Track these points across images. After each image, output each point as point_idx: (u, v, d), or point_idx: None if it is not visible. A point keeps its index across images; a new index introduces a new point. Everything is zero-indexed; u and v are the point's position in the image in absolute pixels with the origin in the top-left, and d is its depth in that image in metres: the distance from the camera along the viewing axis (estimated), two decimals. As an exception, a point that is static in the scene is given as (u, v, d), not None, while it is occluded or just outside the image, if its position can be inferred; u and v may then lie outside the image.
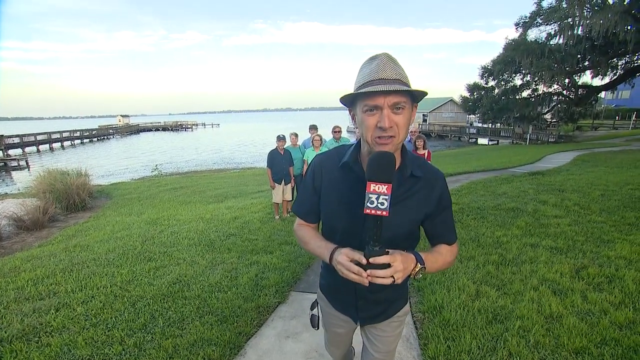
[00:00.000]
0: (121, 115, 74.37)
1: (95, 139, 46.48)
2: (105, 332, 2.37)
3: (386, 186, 0.80)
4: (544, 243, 3.99)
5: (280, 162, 5.64)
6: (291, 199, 5.97)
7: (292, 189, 6.00)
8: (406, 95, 0.88)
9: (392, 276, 0.84)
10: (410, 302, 2.87)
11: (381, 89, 0.83)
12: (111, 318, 2.56)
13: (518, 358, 2.02)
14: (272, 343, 2.35)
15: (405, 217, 1.01)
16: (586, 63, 21.85)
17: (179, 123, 73.74)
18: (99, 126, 57.04)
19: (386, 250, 0.85)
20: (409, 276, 0.93)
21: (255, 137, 48.47)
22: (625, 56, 21.02)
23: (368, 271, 0.84)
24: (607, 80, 22.69)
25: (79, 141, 42.30)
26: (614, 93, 38.26)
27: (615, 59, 21.49)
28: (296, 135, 6.09)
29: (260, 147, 33.06)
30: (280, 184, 5.67)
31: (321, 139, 5.56)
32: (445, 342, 2.18)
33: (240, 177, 14.68)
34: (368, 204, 0.81)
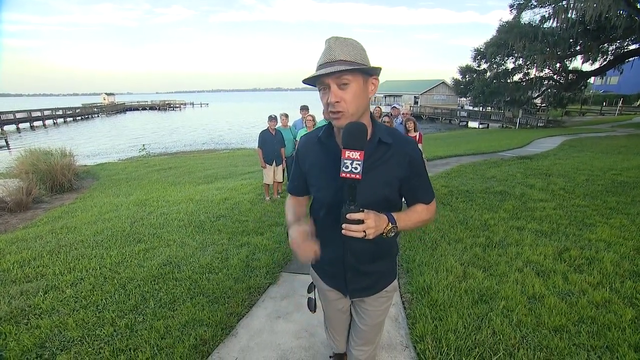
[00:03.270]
0: (106, 94, 71.97)
1: (79, 118, 45.05)
2: (95, 314, 2.37)
3: (359, 153, 0.91)
4: (530, 226, 4.10)
5: (271, 142, 5.58)
6: (282, 180, 5.95)
7: (283, 171, 5.96)
8: (352, 72, 0.95)
9: (364, 231, 0.93)
10: (399, 282, 2.96)
11: (323, 71, 0.94)
12: (101, 300, 2.55)
13: (501, 336, 2.10)
14: (263, 323, 2.38)
15: (380, 181, 1.08)
16: (577, 48, 21.86)
17: (166, 102, 71.86)
18: (82, 104, 55.11)
19: (361, 209, 0.94)
20: (382, 234, 1.00)
21: (245, 117, 47.71)
22: (616, 41, 21.11)
23: (344, 225, 0.94)
24: (597, 65, 22.84)
25: (61, 120, 40.93)
26: (602, 79, 38.68)
27: (606, 44, 21.57)
28: (286, 115, 5.99)
29: (251, 127, 32.62)
30: (272, 165, 5.62)
31: (314, 120, 5.49)
32: (433, 322, 2.25)
33: (230, 158, 14.52)
34: (343, 169, 0.92)
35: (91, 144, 23.42)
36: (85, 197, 7.27)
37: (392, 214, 1.05)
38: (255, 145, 5.65)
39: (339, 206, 0.97)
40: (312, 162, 1.19)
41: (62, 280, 2.83)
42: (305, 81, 1.02)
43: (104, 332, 2.17)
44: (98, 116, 50.06)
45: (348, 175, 0.92)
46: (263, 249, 3.60)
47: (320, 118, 5.93)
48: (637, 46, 21.17)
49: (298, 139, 5.51)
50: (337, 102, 0.97)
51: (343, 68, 0.93)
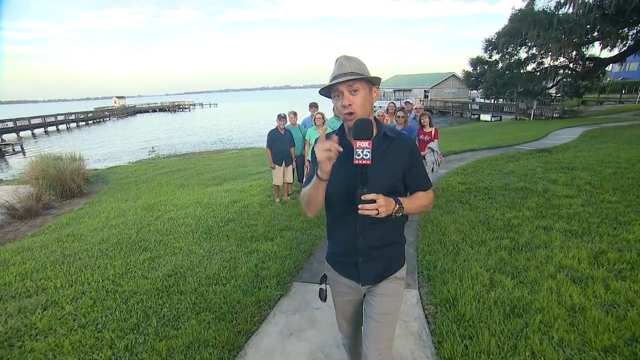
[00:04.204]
0: (117, 97, 72.96)
1: (92, 122, 45.77)
2: (94, 334, 2.21)
3: (367, 142, 1.10)
4: (558, 226, 3.81)
5: (280, 142, 5.38)
6: (292, 181, 5.75)
7: (293, 171, 5.76)
8: (360, 81, 1.18)
9: (377, 209, 1.10)
10: (420, 292, 2.73)
11: (339, 80, 1.17)
12: (101, 317, 2.39)
13: (542, 358, 1.86)
14: (274, 342, 2.19)
15: (388, 170, 1.26)
16: (595, 34, 20.96)
17: (176, 103, 72.51)
18: (94, 108, 55.99)
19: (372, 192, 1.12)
20: (391, 215, 1.17)
21: (254, 116, 47.75)
22: (637, 25, 20.16)
23: (360, 205, 1.10)
24: (615, 51, 21.90)
25: (74, 124, 41.65)
26: (622, 65, 37.15)
27: (626, 29, 20.61)
28: (295, 114, 5.77)
29: (260, 126, 32.55)
30: (281, 166, 5.42)
31: (323, 117, 5.27)
32: (462, 341, 2.01)
33: (239, 158, 14.41)
34: (356, 157, 1.10)
35: (102, 148, 23.69)
36: (94, 202, 7.22)
37: (399, 198, 1.21)
38: (264, 144, 5.46)
39: (353, 194, 1.16)
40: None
41: (63, 295, 2.70)
42: (321, 92, 1.27)
43: (101, 356, 2.01)
44: (109, 119, 50.80)
45: (360, 161, 1.11)
46: (273, 256, 3.41)
47: (329, 115, 5.70)
48: (661, 29, 20.22)
49: (308, 137, 5.29)
50: (350, 104, 1.18)
51: (354, 77, 1.16)
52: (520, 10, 20.24)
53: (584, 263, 2.94)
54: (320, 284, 1.52)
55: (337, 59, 1.24)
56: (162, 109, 68.66)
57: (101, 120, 48.68)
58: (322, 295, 1.50)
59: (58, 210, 6.73)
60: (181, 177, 9.99)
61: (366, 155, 1.10)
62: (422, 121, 5.12)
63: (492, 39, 23.06)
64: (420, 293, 2.66)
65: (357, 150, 1.10)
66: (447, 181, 6.06)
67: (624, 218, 3.97)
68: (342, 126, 1.33)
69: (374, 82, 1.24)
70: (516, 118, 25.59)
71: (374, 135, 1.25)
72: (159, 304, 2.57)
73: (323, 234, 4.07)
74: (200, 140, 25.26)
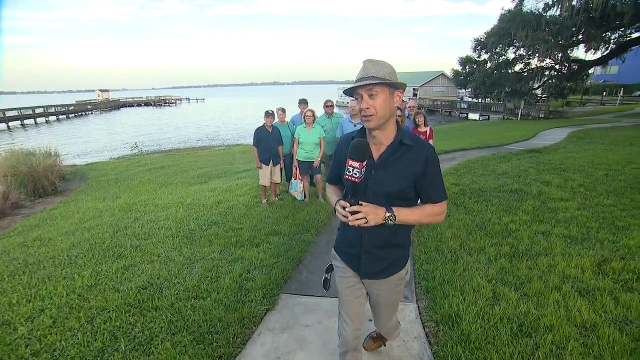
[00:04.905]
0: (100, 90, 70.45)
1: (73, 115, 44.15)
2: (49, 363, 1.92)
3: (358, 163, 1.18)
4: (556, 231, 3.68)
5: (267, 140, 5.09)
6: (280, 181, 5.47)
7: (281, 170, 5.49)
8: (379, 85, 1.20)
9: (365, 218, 1.18)
10: (419, 306, 2.53)
11: (358, 84, 1.21)
12: (60, 342, 2.09)
13: (558, 388, 1.68)
14: (260, 368, 1.95)
15: (397, 175, 1.29)
16: (580, 36, 21.28)
17: (162, 98, 70.63)
18: (76, 101, 53.99)
19: (359, 202, 1.20)
20: (384, 222, 1.22)
21: (242, 112, 47.02)
22: (620, 29, 20.54)
23: (349, 217, 1.18)
24: (598, 54, 22.30)
25: (54, 117, 40.09)
26: (604, 68, 38.08)
27: (609, 33, 20.99)
28: (283, 110, 5.49)
29: (248, 122, 31.99)
30: (268, 165, 5.14)
31: (313, 115, 5.01)
32: (469, 367, 1.82)
33: (226, 155, 14.01)
34: (346, 172, 1.20)
35: (83, 143, 22.80)
36: (69, 201, 6.79)
37: (393, 207, 1.24)
38: (252, 141, 5.16)
39: (364, 194, 1.29)
40: (346, 156, 1.29)
41: (18, 314, 2.38)
42: (345, 92, 1.30)
43: (56, 391, 1.73)
44: (92, 113, 49.10)
45: (350, 177, 1.19)
46: (259, 264, 3.16)
47: (320, 112, 5.45)
48: (640, 34, 20.66)
49: (297, 136, 5.03)
50: (367, 108, 1.22)
51: (372, 82, 1.18)
52: (509, 10, 20.35)
53: (588, 272, 2.79)
54: (327, 272, 1.61)
55: (363, 61, 1.26)
56: (147, 103, 66.83)
57: (83, 113, 47.01)
58: (326, 285, 1.61)
59: (29, 210, 6.29)
60: (164, 175, 9.57)
61: (355, 174, 1.19)
62: (416, 120, 4.92)
63: (481, 38, 23.15)
64: (419, 307, 2.46)
65: (348, 167, 1.20)
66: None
67: (621, 223, 3.88)
68: (363, 127, 1.37)
69: (396, 86, 1.24)
70: (504, 117, 25.87)
71: (392, 140, 1.31)
72: (130, 322, 2.29)
73: (312, 240, 3.83)
74: (186, 136, 24.61)
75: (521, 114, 23.95)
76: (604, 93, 35.90)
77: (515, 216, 4.15)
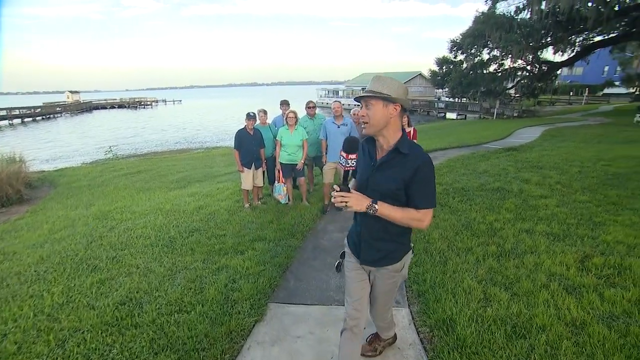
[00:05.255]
0: (70, 92, 67.35)
1: (40, 118, 41.98)
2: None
3: (346, 154, 1.44)
4: (539, 228, 3.75)
5: (249, 143, 4.94)
6: (262, 184, 5.34)
7: (264, 173, 5.35)
8: (375, 99, 1.42)
9: (346, 202, 1.39)
10: (411, 311, 2.49)
11: (359, 95, 1.47)
12: (27, 370, 1.91)
13: (556, 391, 1.67)
14: (250, 386, 1.84)
15: (389, 177, 1.46)
16: (549, 39, 22.22)
17: (137, 100, 68.37)
18: (43, 103, 51.37)
19: (349, 190, 1.43)
20: (365, 212, 1.42)
21: (221, 114, 46.20)
22: (584, 33, 21.59)
23: (333, 194, 1.41)
24: (565, 56, 23.39)
25: (19, 120, 37.98)
26: (570, 69, 39.93)
27: (574, 36, 22.03)
28: (265, 112, 5.35)
29: (227, 124, 31.43)
30: (250, 168, 5.00)
31: (296, 116, 4.91)
32: (468, 374, 1.78)
33: (206, 158, 13.68)
34: (342, 163, 1.47)
35: (52, 147, 21.69)
36: (36, 210, 6.39)
37: (379, 202, 1.41)
38: (231, 143, 5.00)
39: (366, 189, 1.50)
40: (359, 156, 1.56)
41: (-22, 340, 2.16)
42: (356, 99, 1.53)
43: None
44: (61, 116, 46.85)
45: (345, 167, 1.46)
46: (245, 273, 3.03)
47: (302, 114, 5.36)
48: (602, 37, 21.80)
49: (279, 138, 4.91)
50: (363, 115, 1.45)
51: (368, 95, 1.42)
52: (483, 13, 20.98)
53: (572, 269, 2.85)
54: (340, 258, 1.86)
55: (372, 77, 1.48)
56: (121, 106, 64.46)
57: (52, 116, 44.79)
58: (339, 268, 1.89)
59: (-9, 221, 5.86)
60: (141, 180, 9.22)
61: (347, 163, 1.44)
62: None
63: (457, 39, 23.75)
64: (411, 312, 2.42)
65: (340, 156, 1.46)
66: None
67: (597, 218, 4.01)
68: None
69: (390, 100, 1.40)
70: (480, 117, 26.64)
71: (389, 148, 1.49)
72: (107, 343, 2.12)
73: (298, 245, 3.74)
74: (163, 139, 23.89)
75: (496, 113, 24.73)
76: (571, 93, 37.70)
77: (499, 215, 4.21)
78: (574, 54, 23.11)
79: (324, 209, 4.84)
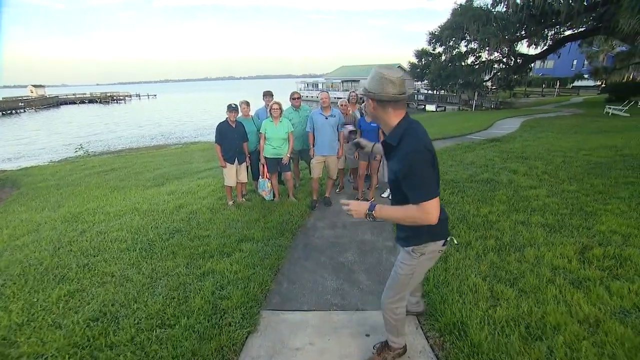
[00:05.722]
0: (33, 85, 63.39)
1: (0, 114, 39.34)
2: None
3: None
4: (534, 220, 3.69)
5: (231, 136, 4.63)
6: (246, 180, 5.04)
7: (247, 169, 5.05)
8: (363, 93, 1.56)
9: (351, 211, 1.49)
10: (417, 316, 2.32)
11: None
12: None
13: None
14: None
15: (390, 170, 1.54)
16: (523, 32, 22.71)
17: (108, 94, 65.23)
18: (3, 98, 48.13)
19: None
20: (365, 217, 1.48)
21: (198, 108, 44.85)
22: (556, 27, 22.21)
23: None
24: (539, 50, 24.02)
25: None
26: (542, 62, 41.22)
27: (546, 30, 22.62)
28: (247, 104, 5.04)
29: (204, 118, 30.49)
30: (233, 163, 4.70)
31: (280, 108, 4.64)
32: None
33: (184, 154, 13.14)
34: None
35: (15, 144, 20.31)
36: (-3, 214, 5.84)
37: (377, 205, 1.47)
38: (210, 137, 4.68)
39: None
40: None
41: None
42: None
43: None
44: (25, 111, 44.12)
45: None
46: (233, 277, 2.78)
47: (287, 106, 5.10)
48: (571, 32, 22.51)
49: (262, 131, 4.62)
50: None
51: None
52: (460, 5, 21.13)
53: (574, 262, 2.78)
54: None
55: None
56: (92, 101, 61.37)
57: (14, 112, 42.10)
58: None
59: (-56, 227, 5.28)
60: (115, 178, 8.68)
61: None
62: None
63: (435, 32, 23.85)
64: (417, 316, 2.25)
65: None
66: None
67: (588, 208, 3.99)
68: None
69: (367, 95, 1.48)
70: (459, 109, 27.06)
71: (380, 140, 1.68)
72: (77, 369, 1.83)
73: (288, 244, 3.52)
74: (138, 135, 22.86)
75: (475, 105, 25.17)
76: (544, 85, 38.95)
77: (492, 207, 4.14)
78: (546, 47, 23.77)
79: (312, 205, 4.63)
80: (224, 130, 4.60)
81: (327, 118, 4.43)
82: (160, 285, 2.71)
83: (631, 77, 26.27)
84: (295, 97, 5.04)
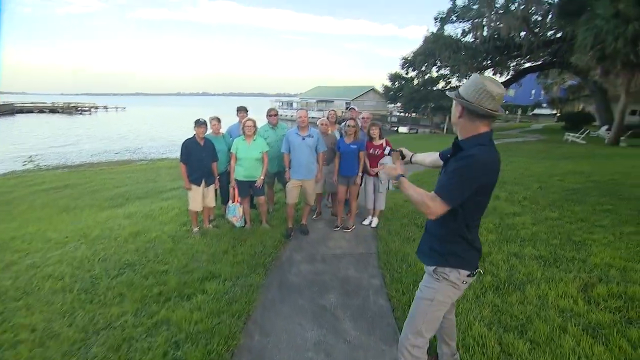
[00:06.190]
0: (-15, 93, 58.96)
1: (-57, 122, 35.91)
2: None
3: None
4: (527, 252, 3.49)
5: (199, 155, 4.13)
6: (214, 204, 4.51)
7: (216, 192, 4.52)
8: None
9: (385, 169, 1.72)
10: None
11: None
12: None
13: None
14: None
15: (444, 172, 1.56)
16: (489, 62, 24.13)
17: (72, 104, 61.68)
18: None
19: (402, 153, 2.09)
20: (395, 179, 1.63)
21: (169, 123, 43.38)
22: (517, 59, 23.82)
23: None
24: (503, 79, 25.60)
25: None
26: (506, 91, 44.06)
27: (509, 61, 24.21)
28: (218, 120, 4.58)
29: (174, 134, 29.32)
30: (200, 186, 4.19)
31: (254, 125, 4.23)
32: None
33: (150, 171, 12.29)
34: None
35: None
36: None
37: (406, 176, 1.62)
38: (179, 155, 4.17)
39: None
40: None
41: None
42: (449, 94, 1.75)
43: None
44: (-28, 120, 40.59)
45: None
46: (193, 329, 2.26)
47: (262, 123, 4.70)
48: (530, 64, 24.24)
49: (234, 150, 4.17)
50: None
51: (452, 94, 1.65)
52: (433, 33, 22.14)
53: (580, 302, 2.53)
54: None
55: None
56: (53, 110, 57.54)
57: (-41, 120, 38.56)
58: None
59: None
60: (67, 197, 7.82)
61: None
62: (371, 133, 4.49)
63: (408, 57, 24.76)
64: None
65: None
66: (392, 200, 5.52)
67: (576, 237, 3.87)
68: None
69: (459, 102, 1.46)
70: (431, 131, 27.89)
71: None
72: None
73: (261, 282, 3.04)
74: (101, 149, 21.39)
75: (446, 128, 26.04)
76: (507, 112, 41.43)
77: (482, 236, 3.85)
78: (509, 77, 25.36)
79: (287, 233, 4.17)
80: (190, 148, 4.11)
81: (304, 139, 4.07)
82: (96, 344, 2.13)
83: (582, 107, 28.47)
84: (271, 114, 4.68)
